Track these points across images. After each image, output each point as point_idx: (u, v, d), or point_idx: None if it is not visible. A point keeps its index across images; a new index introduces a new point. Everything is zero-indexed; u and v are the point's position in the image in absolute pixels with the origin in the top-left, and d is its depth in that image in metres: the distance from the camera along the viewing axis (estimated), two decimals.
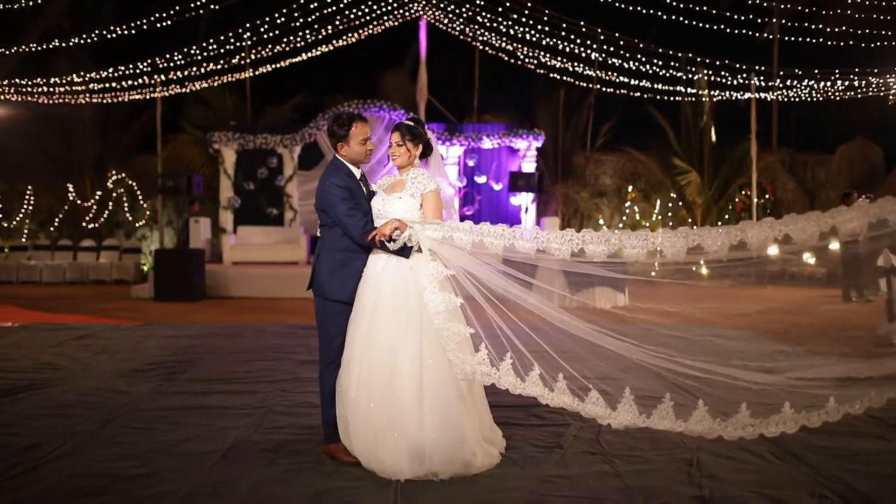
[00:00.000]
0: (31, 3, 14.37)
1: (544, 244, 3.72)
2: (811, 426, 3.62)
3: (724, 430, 3.65)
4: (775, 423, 3.61)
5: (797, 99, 17.70)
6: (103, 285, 15.45)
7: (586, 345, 3.86)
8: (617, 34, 16.41)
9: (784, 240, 3.45)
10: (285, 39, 16.30)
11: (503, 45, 16.95)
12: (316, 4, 15.81)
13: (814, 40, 16.48)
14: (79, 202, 17.07)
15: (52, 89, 15.80)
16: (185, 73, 15.99)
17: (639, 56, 16.59)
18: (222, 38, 15.91)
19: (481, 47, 17.46)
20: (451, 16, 16.71)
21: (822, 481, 3.72)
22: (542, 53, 16.74)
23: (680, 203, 16.96)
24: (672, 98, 17.53)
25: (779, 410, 3.63)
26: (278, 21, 15.96)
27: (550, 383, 3.80)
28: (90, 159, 17.48)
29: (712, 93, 17.12)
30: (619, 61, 16.87)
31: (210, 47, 15.91)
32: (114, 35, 15.33)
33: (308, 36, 16.25)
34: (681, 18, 15.95)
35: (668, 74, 16.92)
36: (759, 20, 16.93)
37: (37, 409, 5.19)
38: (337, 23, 16.26)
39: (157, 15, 15.10)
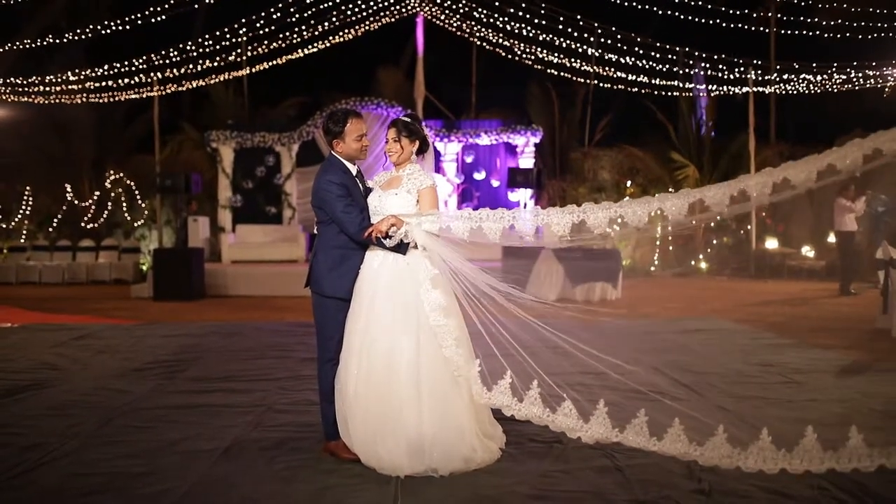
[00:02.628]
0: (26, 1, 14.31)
1: (544, 220, 3.71)
2: (791, 470, 3.55)
3: (700, 457, 3.59)
4: (753, 457, 3.55)
5: (795, 92, 17.68)
6: (102, 285, 15.43)
7: (572, 348, 3.81)
8: (614, 29, 16.38)
9: (783, 183, 3.40)
10: (282, 36, 16.25)
11: (500, 41, 16.91)
12: (312, 0, 15.76)
13: (811, 33, 16.46)
14: (77, 202, 17.04)
15: (48, 89, 15.75)
16: (182, 70, 15.93)
17: (636, 51, 16.55)
18: (217, 34, 15.86)
19: (478, 43, 17.42)
20: (447, 12, 16.65)
21: (822, 474, 3.70)
22: (540, 49, 16.71)
23: None
24: (669, 93, 17.50)
25: (756, 440, 3.56)
26: (274, 17, 15.91)
27: (521, 393, 3.74)
28: (88, 159, 17.43)
29: (710, 87, 17.09)
30: (617, 56, 16.83)
31: (206, 44, 15.87)
32: (109, 31, 15.27)
33: (305, 33, 16.20)
34: (678, 14, 15.92)
35: (665, 69, 16.88)
36: (756, 14, 16.90)
37: (37, 409, 5.19)
38: (334, 19, 16.21)
39: (152, 9, 15.04)
